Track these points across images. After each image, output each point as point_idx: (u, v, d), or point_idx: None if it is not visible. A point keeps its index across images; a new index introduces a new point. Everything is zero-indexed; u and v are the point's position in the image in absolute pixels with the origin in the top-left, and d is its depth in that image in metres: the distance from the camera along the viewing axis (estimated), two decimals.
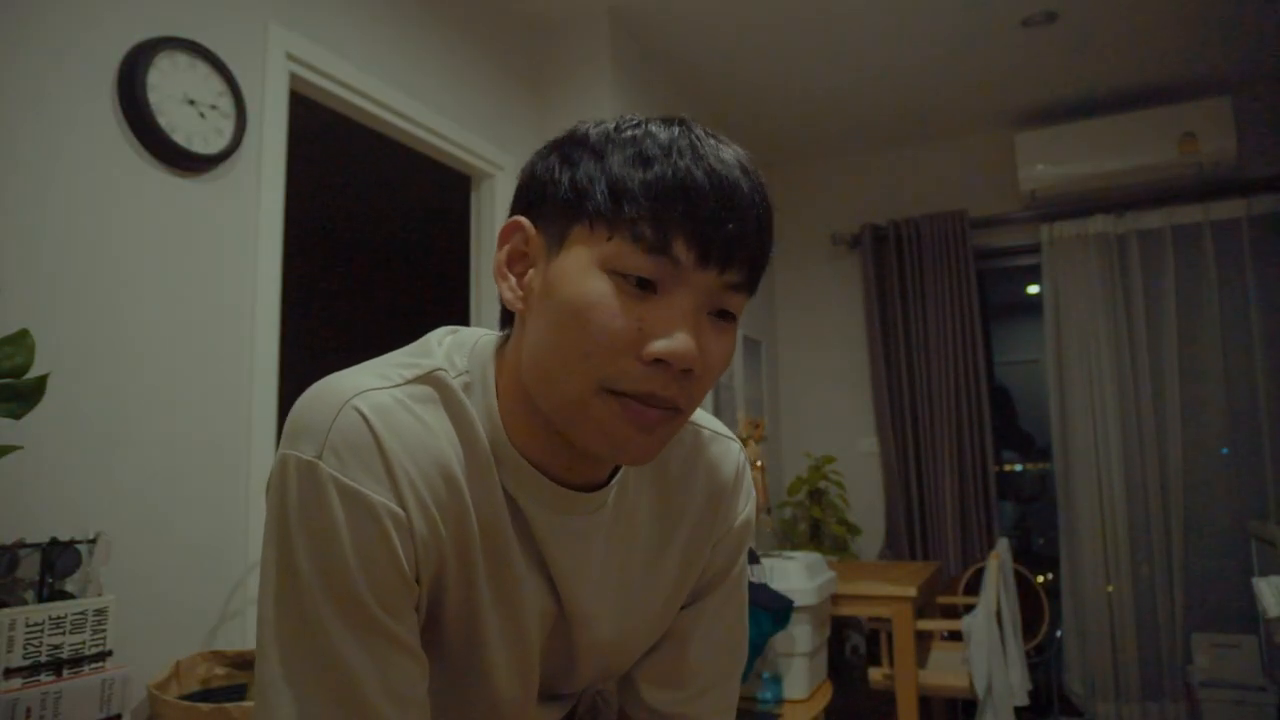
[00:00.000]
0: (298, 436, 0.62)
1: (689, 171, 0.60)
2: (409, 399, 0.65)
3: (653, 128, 0.63)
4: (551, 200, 0.64)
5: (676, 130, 0.63)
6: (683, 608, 0.83)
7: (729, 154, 0.63)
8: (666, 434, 0.64)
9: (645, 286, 0.60)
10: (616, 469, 0.73)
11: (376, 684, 0.61)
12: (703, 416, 0.83)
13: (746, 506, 0.84)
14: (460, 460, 0.66)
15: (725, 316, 0.64)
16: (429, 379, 0.67)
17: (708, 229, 0.60)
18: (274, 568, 0.62)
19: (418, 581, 0.65)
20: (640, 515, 0.77)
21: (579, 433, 0.63)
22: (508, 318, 0.72)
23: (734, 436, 0.85)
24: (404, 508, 0.62)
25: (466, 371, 0.69)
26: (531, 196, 0.67)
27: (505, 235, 0.68)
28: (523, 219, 0.67)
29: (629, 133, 0.63)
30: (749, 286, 0.64)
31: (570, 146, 0.65)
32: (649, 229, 0.59)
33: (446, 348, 0.71)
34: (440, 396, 0.67)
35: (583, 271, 0.61)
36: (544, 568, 0.71)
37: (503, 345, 0.72)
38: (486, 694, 0.73)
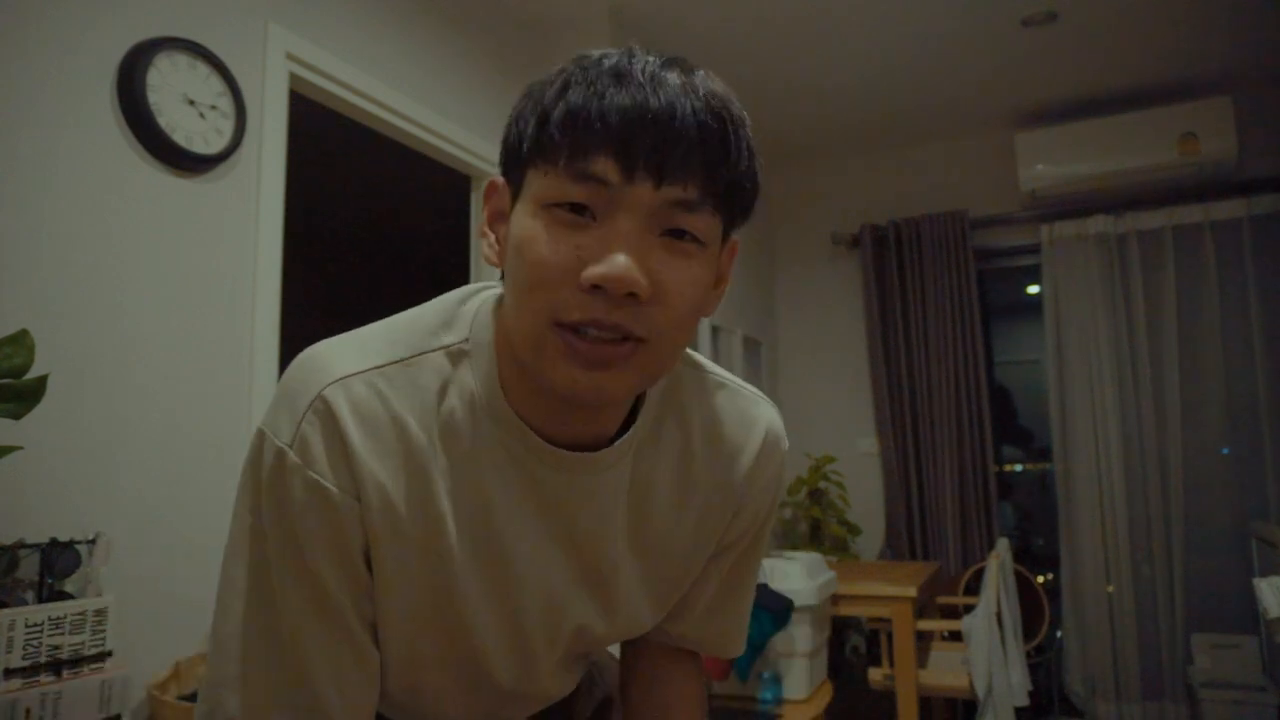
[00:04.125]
0: (277, 413, 0.66)
1: (609, 88, 0.57)
2: (386, 386, 0.66)
3: (589, 57, 0.61)
4: (508, 152, 0.64)
5: (615, 56, 0.60)
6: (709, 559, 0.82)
7: (673, 75, 0.59)
8: (630, 370, 0.60)
9: (581, 212, 0.58)
10: (626, 427, 0.71)
11: (324, 665, 0.65)
12: (736, 380, 0.82)
13: (777, 467, 0.81)
14: (435, 445, 0.66)
15: (682, 236, 0.59)
16: (414, 363, 0.67)
17: (629, 142, 0.56)
18: (247, 535, 0.67)
19: (369, 568, 0.67)
20: (662, 474, 0.75)
21: (539, 372, 0.61)
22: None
23: (768, 399, 0.82)
24: (360, 500, 0.64)
25: (467, 339, 0.69)
26: (502, 155, 0.67)
27: (486, 196, 0.69)
28: (499, 178, 0.67)
29: (565, 68, 0.61)
30: (710, 203, 0.60)
31: (522, 98, 0.64)
32: (568, 151, 0.57)
33: (454, 316, 0.71)
34: (422, 381, 0.67)
35: (528, 213, 0.60)
36: (564, 530, 0.71)
37: (499, 305, 0.70)
38: (482, 675, 0.74)
